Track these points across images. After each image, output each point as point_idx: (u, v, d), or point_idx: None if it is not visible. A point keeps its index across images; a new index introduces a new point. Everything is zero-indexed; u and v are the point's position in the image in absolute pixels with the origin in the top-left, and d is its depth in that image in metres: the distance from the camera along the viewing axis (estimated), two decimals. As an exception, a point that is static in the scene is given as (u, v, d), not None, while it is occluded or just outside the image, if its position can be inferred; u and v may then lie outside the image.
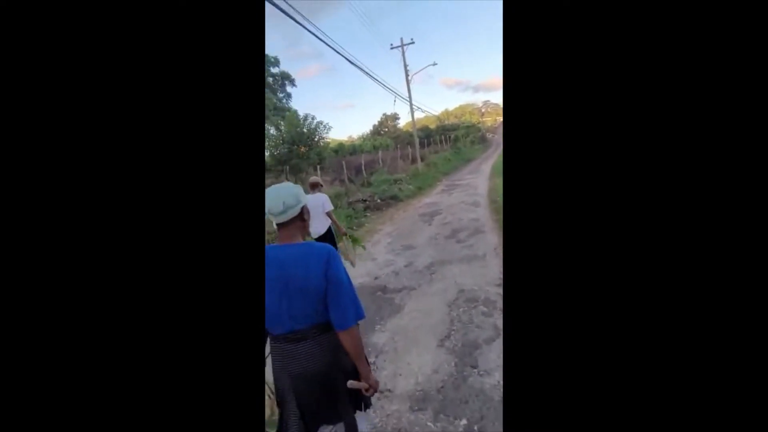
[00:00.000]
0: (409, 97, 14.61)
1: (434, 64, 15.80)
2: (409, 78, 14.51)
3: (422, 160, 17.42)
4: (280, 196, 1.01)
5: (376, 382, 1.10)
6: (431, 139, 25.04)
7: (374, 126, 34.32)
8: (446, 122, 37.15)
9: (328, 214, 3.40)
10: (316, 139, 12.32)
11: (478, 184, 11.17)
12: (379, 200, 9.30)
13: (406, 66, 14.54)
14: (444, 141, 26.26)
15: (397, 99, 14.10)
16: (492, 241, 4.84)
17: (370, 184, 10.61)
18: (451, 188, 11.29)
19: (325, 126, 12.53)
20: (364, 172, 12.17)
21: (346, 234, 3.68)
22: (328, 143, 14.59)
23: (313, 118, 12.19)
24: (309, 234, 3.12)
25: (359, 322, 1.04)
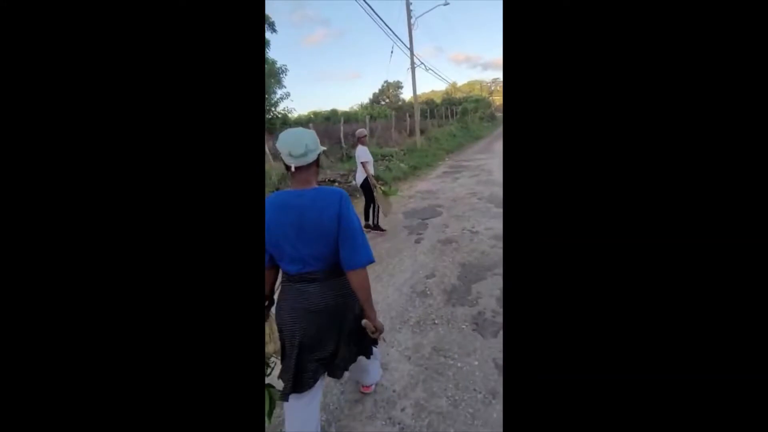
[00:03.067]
0: (411, 45, 11.52)
1: (446, 3, 11.89)
2: (413, 22, 11.38)
3: (422, 133, 14.51)
4: (303, 139, 1.02)
5: (382, 326, 1.13)
6: (436, 113, 22.03)
7: (374, 94, 30.95)
8: (453, 96, 33.67)
9: (363, 165, 3.57)
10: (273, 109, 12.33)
11: (493, 168, 8.44)
12: (354, 182, 6.65)
13: (408, 5, 11.37)
14: (450, 116, 23.22)
15: (407, 69, 11.26)
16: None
17: (350, 158, 7.92)
18: (456, 170, 8.56)
19: (286, 94, 13.45)
20: (343, 142, 9.33)
21: (375, 186, 3.66)
22: (286, 114, 14.79)
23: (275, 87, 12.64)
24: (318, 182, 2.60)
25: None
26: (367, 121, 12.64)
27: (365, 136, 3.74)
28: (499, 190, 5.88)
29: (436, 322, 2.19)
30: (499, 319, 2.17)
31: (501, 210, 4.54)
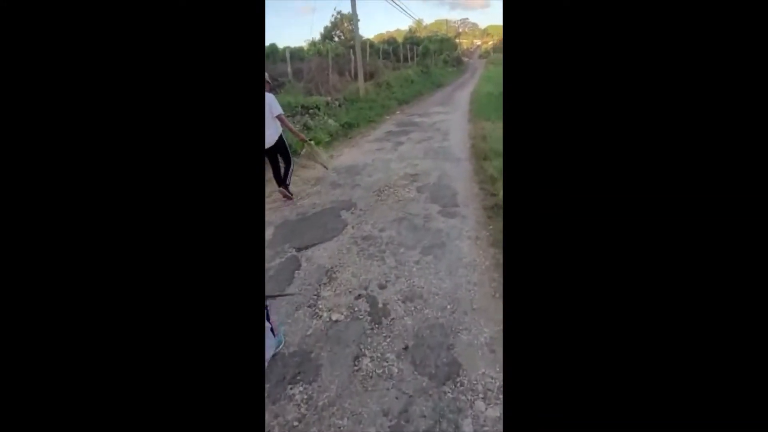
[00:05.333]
0: None
1: None
2: None
3: (372, 77, 11.78)
4: None
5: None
6: (397, 55, 18.82)
7: (325, 28, 26.35)
8: (417, 36, 29.73)
9: (279, 119, 2.86)
10: None
11: (451, 128, 6.33)
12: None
13: None
14: (412, 58, 20.10)
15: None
16: None
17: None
18: (403, 130, 6.35)
19: None
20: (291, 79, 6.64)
21: (305, 140, 3.29)
22: None
23: None
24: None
25: None
26: (330, 62, 9.82)
27: (266, 80, 2.82)
28: (453, 168, 3.85)
29: None
30: None
31: (453, 222, 2.59)
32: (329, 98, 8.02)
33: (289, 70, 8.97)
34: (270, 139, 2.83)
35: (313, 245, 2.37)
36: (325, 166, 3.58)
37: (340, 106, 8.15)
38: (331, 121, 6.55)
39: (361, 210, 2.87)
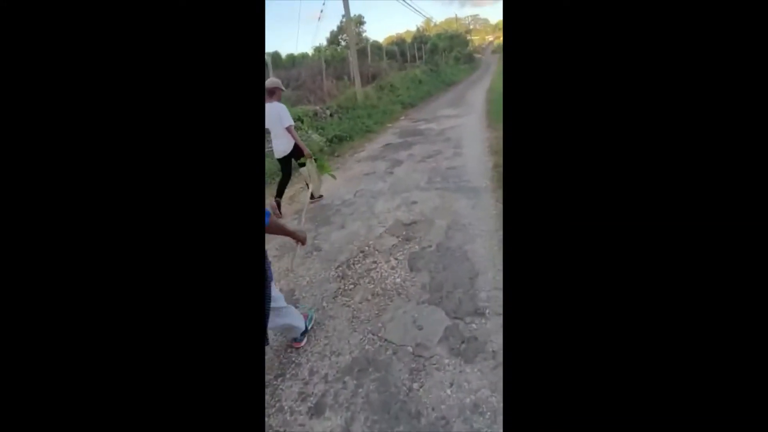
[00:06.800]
0: None
1: None
2: None
3: (374, 80, 10.53)
4: None
5: (304, 234, 1.34)
6: (404, 55, 17.55)
7: (331, 33, 25.57)
8: (426, 34, 28.31)
9: (288, 130, 2.78)
10: None
11: (464, 135, 4.98)
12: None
13: None
14: (420, 57, 18.75)
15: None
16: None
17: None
18: (405, 142, 5.06)
19: None
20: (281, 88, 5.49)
21: (311, 156, 2.78)
22: None
23: None
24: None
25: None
26: (323, 66, 8.75)
27: (277, 88, 2.76)
28: (468, 209, 2.52)
29: None
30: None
31: (474, 378, 1.23)
32: (318, 107, 6.81)
33: (273, 76, 7.85)
34: (284, 148, 2.85)
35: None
36: (312, 195, 2.85)
37: (331, 115, 6.92)
38: (315, 136, 5.32)
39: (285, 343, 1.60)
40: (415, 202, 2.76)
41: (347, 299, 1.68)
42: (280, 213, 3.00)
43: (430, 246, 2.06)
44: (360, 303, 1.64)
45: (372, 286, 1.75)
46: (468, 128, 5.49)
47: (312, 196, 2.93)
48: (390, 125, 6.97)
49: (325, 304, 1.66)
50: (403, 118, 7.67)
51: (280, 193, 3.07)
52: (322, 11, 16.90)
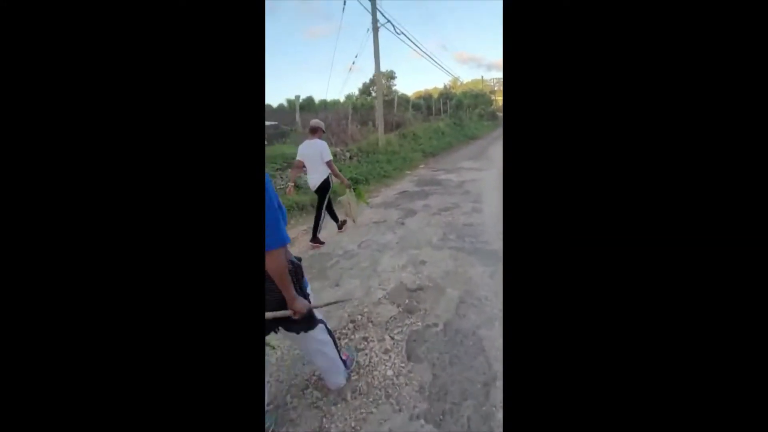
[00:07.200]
0: (375, 39, 7.62)
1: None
2: (378, 23, 7.50)
3: (398, 128, 10.71)
4: None
5: (302, 307, 1.05)
6: (429, 108, 18.20)
7: (363, 84, 27.18)
8: (452, 91, 29.66)
9: (328, 164, 3.00)
10: None
11: (484, 190, 4.70)
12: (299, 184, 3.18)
13: (374, 4, 7.53)
14: (445, 111, 19.37)
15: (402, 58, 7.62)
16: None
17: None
18: (422, 191, 4.82)
19: None
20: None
21: (350, 186, 3.24)
22: None
23: None
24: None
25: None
26: (350, 111, 9.05)
27: (319, 128, 3.04)
28: (485, 278, 2.12)
29: None
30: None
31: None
32: (339, 149, 6.81)
33: (298, 119, 8.05)
34: (314, 181, 3.01)
35: None
36: (353, 219, 3.27)
37: (351, 158, 6.87)
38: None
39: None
40: (424, 262, 2.40)
41: (319, 395, 1.27)
42: (322, 242, 3.08)
43: (437, 325, 1.66)
44: (334, 405, 1.23)
45: (355, 377, 1.35)
46: (488, 183, 5.23)
47: (340, 225, 3.35)
48: (409, 172, 6.83)
49: (289, 399, 1.26)
50: (422, 166, 7.56)
51: (312, 237, 3.09)
52: (353, 62, 18.04)
